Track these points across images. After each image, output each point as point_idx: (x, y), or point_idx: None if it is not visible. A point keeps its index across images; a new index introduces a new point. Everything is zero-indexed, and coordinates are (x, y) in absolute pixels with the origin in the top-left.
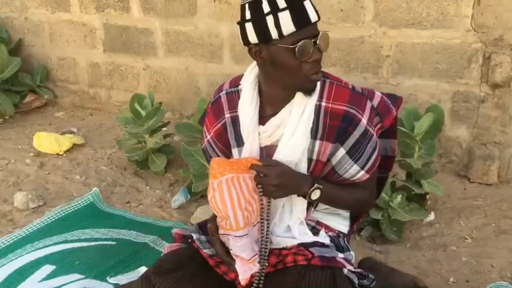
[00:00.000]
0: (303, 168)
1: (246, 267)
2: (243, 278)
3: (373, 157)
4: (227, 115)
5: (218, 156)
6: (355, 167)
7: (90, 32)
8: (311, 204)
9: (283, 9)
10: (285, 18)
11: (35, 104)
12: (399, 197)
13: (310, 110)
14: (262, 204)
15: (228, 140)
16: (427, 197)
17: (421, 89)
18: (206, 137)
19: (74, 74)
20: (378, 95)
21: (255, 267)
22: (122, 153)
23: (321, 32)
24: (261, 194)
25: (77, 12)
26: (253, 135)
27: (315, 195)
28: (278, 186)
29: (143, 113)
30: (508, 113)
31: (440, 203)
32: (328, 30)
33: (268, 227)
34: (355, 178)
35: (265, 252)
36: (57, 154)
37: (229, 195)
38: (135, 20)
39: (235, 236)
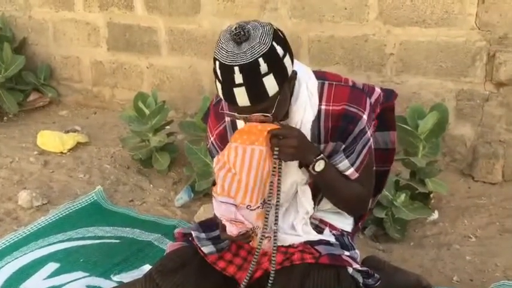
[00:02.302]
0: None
1: (230, 227)
2: (230, 231)
3: (362, 154)
4: (227, 118)
5: None
6: (346, 162)
7: (93, 30)
8: (315, 202)
9: (219, 81)
10: (219, 88)
11: (39, 103)
12: (403, 196)
13: (307, 126)
14: (274, 172)
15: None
16: (431, 195)
17: (425, 88)
18: (210, 138)
19: (77, 73)
20: (376, 92)
21: (244, 227)
22: (126, 151)
23: (254, 115)
24: (276, 157)
25: (80, 10)
26: None
27: (319, 166)
28: (296, 148)
29: (147, 111)
30: None
31: (444, 201)
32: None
33: (277, 214)
34: (344, 174)
35: (275, 244)
36: (61, 152)
37: (241, 159)
38: (138, 18)
39: (220, 202)
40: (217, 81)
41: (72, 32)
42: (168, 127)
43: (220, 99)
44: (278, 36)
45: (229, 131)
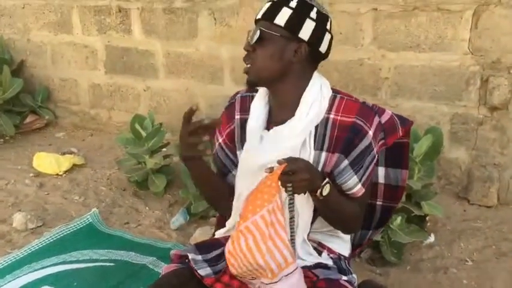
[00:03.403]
0: None
1: None
2: None
3: (369, 170)
4: (237, 116)
5: (229, 158)
6: (355, 179)
7: (91, 53)
8: (313, 220)
9: None
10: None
11: (36, 125)
12: (399, 219)
13: (314, 122)
14: (291, 208)
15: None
16: (427, 218)
17: (420, 111)
18: (218, 141)
19: (75, 95)
20: (388, 113)
21: None
22: (122, 173)
23: (253, 29)
24: (290, 193)
25: (79, 34)
26: (255, 134)
27: (326, 190)
28: (308, 180)
29: (143, 133)
30: (507, 135)
31: (440, 224)
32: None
33: (293, 238)
34: (351, 191)
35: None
36: (57, 174)
37: (260, 238)
38: (136, 42)
39: (285, 276)
40: None
41: (70, 54)
42: (164, 149)
43: (234, 101)
44: (322, 13)
45: (237, 129)
